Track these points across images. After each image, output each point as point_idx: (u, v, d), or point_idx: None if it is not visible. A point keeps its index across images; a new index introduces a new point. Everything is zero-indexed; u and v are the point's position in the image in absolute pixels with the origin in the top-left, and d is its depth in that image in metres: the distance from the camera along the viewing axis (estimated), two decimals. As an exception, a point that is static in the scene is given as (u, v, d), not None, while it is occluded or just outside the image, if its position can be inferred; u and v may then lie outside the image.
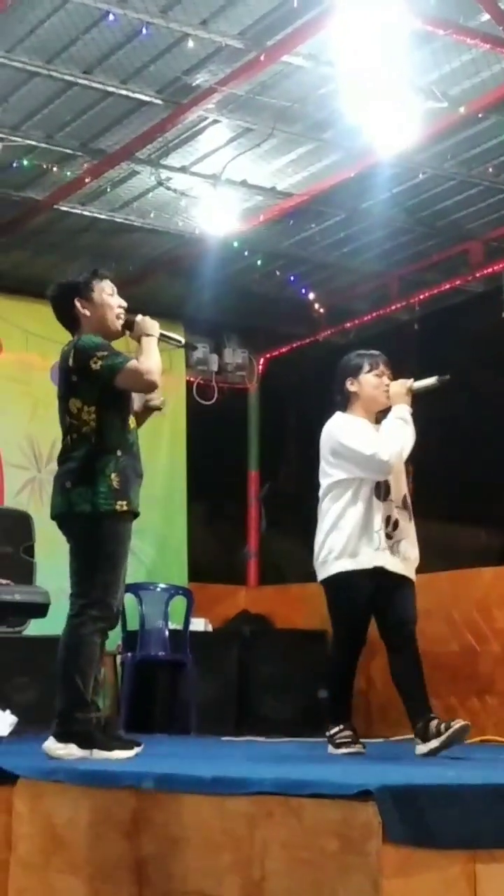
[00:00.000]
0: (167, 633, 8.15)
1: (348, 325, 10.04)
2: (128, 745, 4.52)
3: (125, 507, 4.53)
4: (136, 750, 4.52)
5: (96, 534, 4.52)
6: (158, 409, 4.94)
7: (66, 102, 7.03)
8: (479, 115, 6.97)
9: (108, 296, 4.71)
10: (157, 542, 9.73)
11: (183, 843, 3.02)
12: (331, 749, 5.23)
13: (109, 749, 4.40)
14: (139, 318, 4.73)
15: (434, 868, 2.64)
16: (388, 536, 5.19)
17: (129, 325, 4.75)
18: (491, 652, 7.81)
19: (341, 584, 5.20)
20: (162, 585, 8.46)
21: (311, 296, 9.92)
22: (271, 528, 10.60)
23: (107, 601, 4.52)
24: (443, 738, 4.98)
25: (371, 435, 5.24)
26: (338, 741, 5.23)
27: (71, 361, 4.58)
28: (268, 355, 10.73)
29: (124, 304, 4.76)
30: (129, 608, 7.76)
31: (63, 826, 3.35)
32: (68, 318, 4.73)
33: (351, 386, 5.32)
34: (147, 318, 4.72)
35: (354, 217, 8.47)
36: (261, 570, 10.51)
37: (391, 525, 5.22)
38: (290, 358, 10.62)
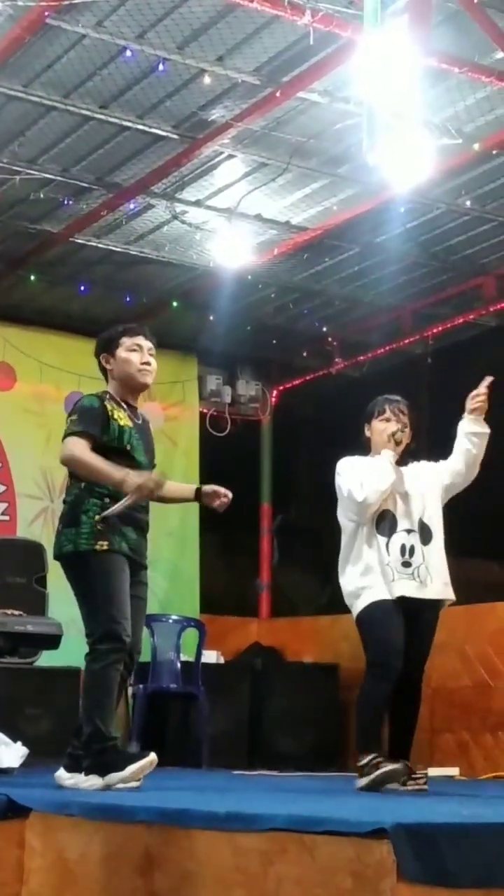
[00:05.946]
0: (179, 665, 8.13)
1: (361, 358, 10.07)
2: (139, 757, 4.49)
3: (105, 548, 4.61)
4: (149, 759, 4.47)
5: (84, 572, 4.64)
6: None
7: (83, 136, 7.09)
8: (494, 152, 7.02)
9: (131, 352, 4.83)
10: (169, 573, 9.73)
11: (196, 880, 3.00)
12: (361, 782, 5.02)
13: (122, 769, 4.40)
14: (162, 481, 4.73)
15: (449, 907, 2.62)
16: (407, 564, 5.24)
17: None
18: (504, 687, 7.77)
19: (368, 617, 5.23)
20: (174, 617, 8.46)
21: (325, 329, 9.95)
22: (283, 561, 10.58)
23: (113, 632, 4.55)
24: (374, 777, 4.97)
25: (360, 474, 5.32)
26: (373, 764, 5.02)
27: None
28: (281, 387, 10.75)
29: (147, 359, 4.86)
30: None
31: (75, 861, 3.33)
32: (102, 372, 4.95)
33: (367, 432, 5.54)
34: (148, 483, 4.63)
35: (368, 251, 8.51)
36: (273, 603, 10.49)
37: (408, 553, 5.26)
38: (303, 390, 10.64)
